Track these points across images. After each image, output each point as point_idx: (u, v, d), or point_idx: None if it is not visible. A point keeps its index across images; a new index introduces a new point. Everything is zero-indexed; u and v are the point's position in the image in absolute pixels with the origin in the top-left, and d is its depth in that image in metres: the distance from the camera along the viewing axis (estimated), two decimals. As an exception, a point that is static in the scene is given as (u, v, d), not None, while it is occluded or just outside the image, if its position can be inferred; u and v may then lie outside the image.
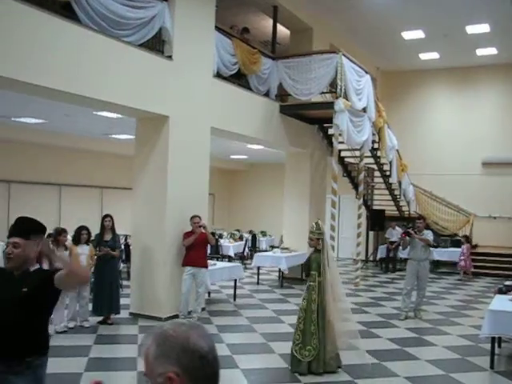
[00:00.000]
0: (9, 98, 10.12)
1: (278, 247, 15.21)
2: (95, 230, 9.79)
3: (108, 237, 9.38)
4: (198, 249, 9.73)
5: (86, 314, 9.21)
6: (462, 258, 16.32)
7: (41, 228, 3.88)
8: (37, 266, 3.77)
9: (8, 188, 15.25)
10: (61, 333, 8.58)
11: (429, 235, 10.55)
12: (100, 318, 9.37)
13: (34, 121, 13.28)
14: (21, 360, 3.55)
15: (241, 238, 18.06)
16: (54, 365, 7.09)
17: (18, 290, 3.54)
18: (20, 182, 15.39)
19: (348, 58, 12.75)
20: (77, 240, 9.14)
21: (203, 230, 9.71)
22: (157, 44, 9.56)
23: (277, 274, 14.93)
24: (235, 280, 12.05)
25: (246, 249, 18.04)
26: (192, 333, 1.63)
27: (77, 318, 9.13)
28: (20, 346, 3.56)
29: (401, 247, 11.95)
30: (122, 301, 9.66)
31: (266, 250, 18.01)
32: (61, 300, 8.67)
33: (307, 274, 7.42)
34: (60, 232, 9.32)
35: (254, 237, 19.11)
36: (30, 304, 3.54)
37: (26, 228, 3.74)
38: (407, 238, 10.54)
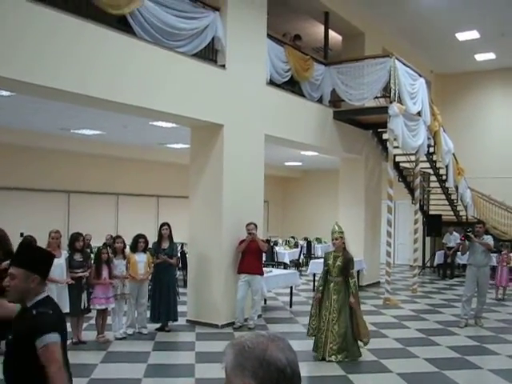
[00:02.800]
0: (68, 111, 10.40)
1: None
2: (151, 239, 9.94)
3: (165, 245, 9.49)
4: (252, 256, 9.76)
5: (144, 321, 9.34)
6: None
7: (45, 260, 3.27)
8: (41, 296, 3.13)
9: (68, 198, 15.64)
10: (120, 339, 8.74)
11: (489, 240, 10.30)
12: (158, 325, 9.49)
13: (92, 132, 13.60)
14: None
15: (296, 245, 18.03)
16: (114, 370, 7.28)
17: (8, 336, 3.09)
18: (79, 191, 15.76)
19: (401, 62, 12.60)
20: (134, 248, 9.28)
21: (254, 237, 9.73)
22: (210, 53, 9.67)
23: (332, 280, 14.79)
24: (291, 287, 12.03)
25: (302, 256, 18.00)
26: (271, 345, 1.59)
27: (135, 324, 9.27)
28: None
29: (459, 252, 11.68)
30: (179, 308, 9.75)
31: (321, 257, 17.90)
32: (119, 307, 8.87)
33: (344, 273, 7.91)
34: (114, 239, 9.52)
35: (309, 243, 19.05)
36: (17, 354, 3.03)
37: (29, 257, 3.17)
38: (467, 242, 10.30)
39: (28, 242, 3.37)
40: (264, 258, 10.87)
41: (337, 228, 8.09)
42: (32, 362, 2.94)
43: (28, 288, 3.07)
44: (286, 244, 18.19)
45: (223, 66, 9.69)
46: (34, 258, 3.20)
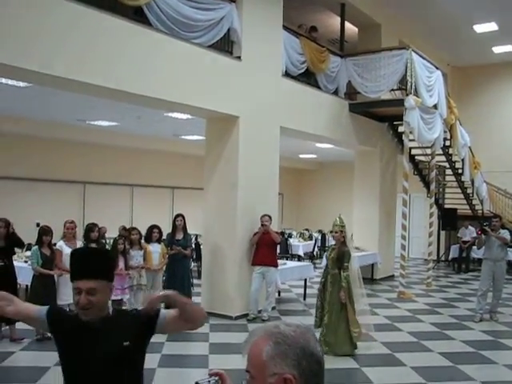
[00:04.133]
0: (85, 102, 10.43)
1: (347, 246, 15.04)
2: (166, 230, 9.96)
3: (180, 236, 9.51)
4: (266, 248, 9.76)
5: (159, 311, 9.36)
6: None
7: (110, 257, 3.14)
8: (110, 307, 2.86)
9: (83, 189, 15.72)
10: (135, 330, 8.77)
11: (505, 234, 10.22)
12: (172, 316, 9.51)
13: (107, 123, 13.65)
14: None
15: (310, 238, 18.00)
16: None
17: (112, 344, 2.66)
18: (94, 183, 15.84)
19: (418, 54, 12.52)
20: (148, 239, 9.32)
21: (265, 229, 9.73)
22: (226, 45, 9.65)
23: (346, 273, 14.77)
24: (305, 279, 12.03)
25: (316, 248, 17.97)
26: (310, 336, 1.59)
27: (150, 315, 9.29)
28: None
29: (475, 246, 11.60)
30: (193, 299, 9.76)
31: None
32: (135, 298, 8.91)
33: (338, 265, 7.80)
34: (130, 230, 9.55)
35: (323, 236, 19.02)
36: (131, 360, 2.73)
37: (105, 266, 2.82)
38: (483, 236, 10.23)
39: (94, 249, 2.93)
40: (278, 250, 10.87)
41: (338, 221, 8.05)
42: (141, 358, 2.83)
43: (108, 299, 2.80)
44: (300, 236, 18.17)
45: (239, 58, 9.66)
46: (108, 264, 2.94)
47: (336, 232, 8.01)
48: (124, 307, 8.91)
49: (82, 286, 2.63)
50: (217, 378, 1.86)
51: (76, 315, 2.74)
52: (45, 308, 2.84)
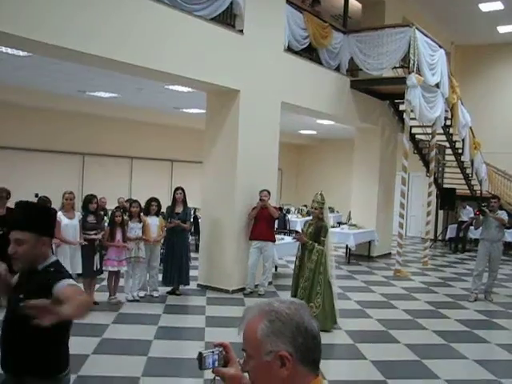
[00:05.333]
0: (85, 73, 10.36)
1: (345, 223, 15.10)
2: (164, 203, 9.96)
3: (179, 209, 9.51)
4: (264, 223, 9.79)
5: (156, 284, 9.43)
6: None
7: (51, 218, 3.06)
8: (51, 260, 2.91)
9: (82, 160, 15.70)
10: (131, 301, 8.84)
11: (503, 215, 10.24)
12: (169, 289, 9.57)
13: (107, 95, 13.58)
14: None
15: (308, 214, 18.00)
16: (125, 331, 7.38)
17: (18, 296, 2.77)
18: (93, 154, 15.81)
19: (421, 32, 12.42)
20: (147, 211, 9.33)
21: (264, 203, 9.73)
22: (228, 18, 9.56)
23: (344, 250, 14.87)
24: (302, 255, 12.06)
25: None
26: (304, 312, 1.60)
27: (147, 287, 9.37)
28: (33, 367, 2.83)
29: (473, 227, 11.62)
30: (191, 273, 9.80)
31: (333, 226, 17.90)
32: (133, 270, 8.96)
33: (315, 240, 7.80)
34: (131, 203, 9.57)
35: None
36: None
37: (35, 219, 2.87)
38: (481, 216, 10.25)
39: (27, 202, 2.94)
40: (276, 226, 10.89)
41: (319, 198, 8.02)
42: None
43: (39, 253, 2.86)
44: (298, 212, 18.20)
45: (241, 32, 9.58)
46: (41, 218, 2.92)
47: (316, 209, 8.01)
48: (121, 278, 9.00)
49: (11, 236, 2.81)
50: (221, 349, 1.87)
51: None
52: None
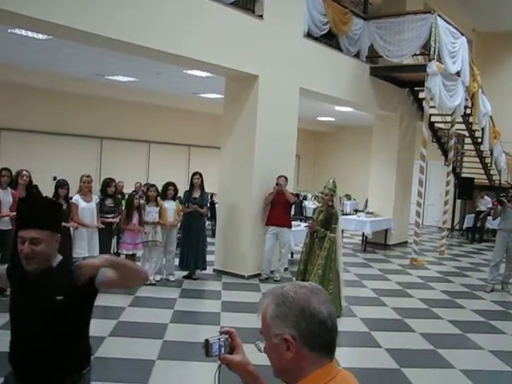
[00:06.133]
0: (104, 57, 10.39)
1: (362, 211, 15.05)
2: (181, 187, 9.99)
3: (196, 194, 9.52)
4: (280, 208, 9.78)
5: (172, 268, 9.47)
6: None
7: (61, 214, 3.03)
8: (59, 258, 2.79)
9: (100, 144, 15.77)
10: (147, 285, 8.88)
11: (522, 206, 10.15)
12: (185, 273, 9.62)
13: (125, 79, 13.60)
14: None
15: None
16: (141, 314, 7.43)
17: (50, 299, 2.64)
18: (111, 138, 15.86)
19: (443, 19, 12.25)
20: (164, 196, 9.36)
21: (280, 188, 9.71)
22: (248, 3, 9.51)
23: (360, 238, 14.82)
24: (318, 242, 12.05)
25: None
26: (313, 297, 1.60)
27: (163, 271, 9.41)
28: (58, 368, 2.71)
29: (490, 217, 11.53)
30: (207, 258, 9.84)
31: (349, 214, 17.85)
32: (149, 254, 9.01)
33: (326, 227, 7.78)
34: (148, 187, 9.61)
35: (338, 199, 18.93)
36: (67, 315, 2.67)
37: (50, 216, 2.74)
38: (499, 206, 10.16)
39: (34, 198, 2.88)
40: (292, 212, 10.88)
41: (331, 184, 8.00)
42: (84, 314, 2.81)
43: (53, 251, 2.74)
44: (315, 199, 18.14)
45: (261, 17, 9.53)
46: (54, 214, 2.80)
47: (326, 195, 7.99)
48: (137, 262, 9.04)
49: (25, 234, 2.62)
50: (226, 336, 1.89)
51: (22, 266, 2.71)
52: (4, 267, 2.91)
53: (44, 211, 2.72)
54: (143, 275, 2.87)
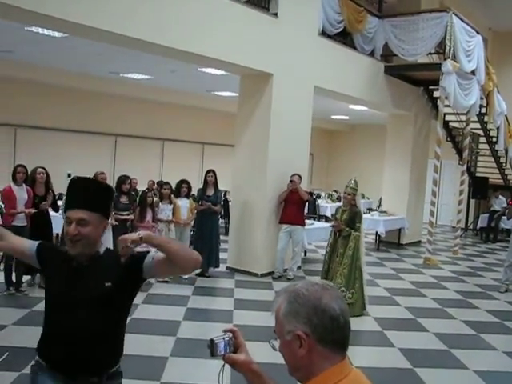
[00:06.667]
0: (119, 55, 10.42)
1: (376, 210, 15.01)
2: (195, 185, 10.01)
3: (210, 192, 9.55)
4: (294, 206, 9.79)
5: (185, 265, 9.48)
6: None
7: (111, 193, 2.95)
8: (103, 246, 2.71)
9: (114, 141, 15.84)
10: (161, 282, 8.92)
11: (537, 206, 10.08)
12: (198, 271, 9.63)
13: (140, 77, 13.64)
14: (100, 376, 2.63)
15: (338, 199, 17.92)
16: (156, 311, 7.47)
17: (98, 285, 2.56)
18: (126, 135, 15.93)
19: (459, 17, 12.19)
20: (177, 193, 9.40)
21: (293, 186, 9.71)
22: (262, 1, 9.51)
23: (373, 236, 14.79)
24: (331, 241, 12.03)
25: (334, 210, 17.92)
26: (324, 293, 1.61)
27: (176, 269, 9.42)
28: (101, 359, 2.63)
29: (505, 217, 11.46)
30: (220, 255, 9.86)
31: (363, 213, 17.80)
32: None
33: (350, 226, 7.87)
34: (162, 185, 9.64)
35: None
36: (114, 302, 2.60)
37: (102, 199, 2.67)
38: (514, 207, 10.11)
39: (88, 179, 2.80)
40: (306, 210, 10.87)
41: (352, 184, 8.07)
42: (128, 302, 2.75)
43: (99, 236, 2.64)
44: (328, 197, 18.14)
45: (275, 15, 9.53)
46: (106, 197, 2.72)
47: (349, 194, 8.04)
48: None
49: (73, 215, 2.52)
50: (231, 335, 1.90)
51: (66, 252, 2.62)
52: (36, 243, 2.77)
53: (96, 193, 2.63)
54: (196, 257, 2.58)
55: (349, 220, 7.91)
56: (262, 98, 9.76)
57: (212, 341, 1.85)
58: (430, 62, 13.24)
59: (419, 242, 15.27)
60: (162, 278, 8.99)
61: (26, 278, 8.21)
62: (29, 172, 8.00)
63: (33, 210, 7.69)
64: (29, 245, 2.77)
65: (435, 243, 14.49)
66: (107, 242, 8.31)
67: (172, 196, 9.28)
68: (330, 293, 1.63)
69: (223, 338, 1.87)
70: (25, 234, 7.50)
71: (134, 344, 6.17)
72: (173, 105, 16.64)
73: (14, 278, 7.88)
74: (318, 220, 15.14)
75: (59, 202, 8.52)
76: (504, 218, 13.02)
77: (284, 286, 1.72)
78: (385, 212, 14.43)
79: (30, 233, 7.61)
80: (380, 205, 15.39)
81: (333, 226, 8.26)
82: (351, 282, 7.76)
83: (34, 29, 8.74)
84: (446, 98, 12.10)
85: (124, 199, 8.67)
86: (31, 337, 3.42)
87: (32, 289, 8.15)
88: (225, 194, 13.91)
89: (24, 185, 7.82)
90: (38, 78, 13.03)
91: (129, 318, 6.77)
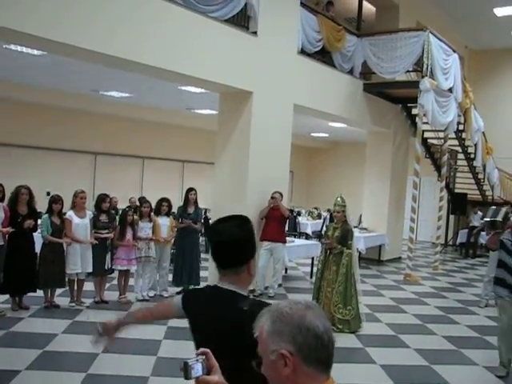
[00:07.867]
0: (99, 73, 10.40)
1: (356, 227, 15.05)
2: (175, 203, 9.97)
3: (191, 210, 9.54)
4: (275, 224, 9.78)
5: (166, 284, 9.44)
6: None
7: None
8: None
9: (94, 159, 15.76)
10: (141, 301, 8.85)
11: (515, 221, 10.15)
12: (179, 289, 9.57)
13: (119, 95, 13.62)
14: None
15: (319, 216, 17.99)
16: (136, 331, 7.31)
17: (236, 310, 2.36)
18: (105, 153, 15.87)
19: (435, 36, 12.37)
20: (157, 211, 9.36)
21: (275, 202, 9.72)
22: (242, 20, 9.56)
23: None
24: (312, 258, 12.03)
25: (324, 227, 17.96)
26: (308, 312, 1.61)
27: (157, 287, 9.38)
28: None
29: (484, 232, 11.55)
30: (201, 273, 9.81)
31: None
32: (143, 270, 8.98)
33: (342, 243, 7.90)
34: (142, 203, 9.61)
35: (331, 215, 18.94)
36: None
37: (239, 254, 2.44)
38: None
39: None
40: (286, 228, 10.88)
41: (340, 201, 8.11)
42: None
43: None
44: (308, 215, 18.16)
45: (255, 33, 9.59)
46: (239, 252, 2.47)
47: (338, 212, 8.07)
48: (131, 278, 9.02)
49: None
50: (204, 357, 1.87)
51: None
52: (179, 297, 2.66)
53: (226, 250, 2.43)
54: (168, 305, 2.66)
55: (341, 237, 7.94)
56: (242, 116, 9.78)
57: (186, 363, 1.83)
58: (408, 79, 13.40)
59: (399, 258, 15.33)
60: (141, 298, 8.96)
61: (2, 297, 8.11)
62: (9, 191, 7.92)
63: (10, 229, 7.58)
64: (174, 303, 2.68)
65: (415, 259, 14.55)
66: (87, 261, 8.29)
67: (152, 214, 9.24)
68: (314, 311, 1.62)
69: (197, 360, 1.85)
70: (1, 254, 7.44)
71: (113, 364, 6.11)
72: (152, 123, 16.62)
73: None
74: (299, 237, 15.14)
75: (38, 221, 8.42)
76: (483, 233, 13.11)
77: (267, 307, 1.71)
78: (365, 229, 14.48)
79: (6, 253, 7.53)
80: (360, 222, 15.44)
81: (324, 244, 8.27)
82: (348, 298, 7.82)
83: (12, 46, 8.70)
84: (425, 115, 12.24)
85: (103, 218, 8.61)
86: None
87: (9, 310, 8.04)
88: (205, 212, 13.88)
89: (1, 203, 7.72)
90: (15, 95, 12.93)
91: (108, 338, 6.66)
